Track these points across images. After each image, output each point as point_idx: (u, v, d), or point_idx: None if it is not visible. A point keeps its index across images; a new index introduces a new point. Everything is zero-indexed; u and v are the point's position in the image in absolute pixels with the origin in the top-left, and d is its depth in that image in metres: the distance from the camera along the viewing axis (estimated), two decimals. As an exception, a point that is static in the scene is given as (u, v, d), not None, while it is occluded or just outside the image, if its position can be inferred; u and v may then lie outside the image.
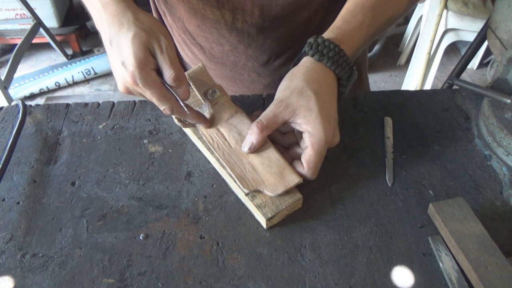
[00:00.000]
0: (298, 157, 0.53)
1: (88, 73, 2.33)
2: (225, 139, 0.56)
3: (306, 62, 0.54)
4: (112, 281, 0.47)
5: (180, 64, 0.52)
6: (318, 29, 0.59)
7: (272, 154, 0.54)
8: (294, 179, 0.52)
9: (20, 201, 0.55)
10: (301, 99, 0.51)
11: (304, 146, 0.52)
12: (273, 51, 0.73)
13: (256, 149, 0.53)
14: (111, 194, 0.55)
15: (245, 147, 0.53)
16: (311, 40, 0.54)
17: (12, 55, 2.00)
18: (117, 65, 0.50)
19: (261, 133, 0.52)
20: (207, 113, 0.59)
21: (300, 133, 0.53)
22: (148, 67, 0.49)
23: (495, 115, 0.58)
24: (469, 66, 2.01)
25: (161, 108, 0.52)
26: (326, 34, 0.55)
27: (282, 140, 0.56)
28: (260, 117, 0.52)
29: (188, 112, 0.54)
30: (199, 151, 0.60)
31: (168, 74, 0.50)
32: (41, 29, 2.25)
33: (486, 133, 0.59)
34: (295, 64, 0.56)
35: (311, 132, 0.50)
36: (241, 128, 0.57)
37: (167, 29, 0.58)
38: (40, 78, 2.31)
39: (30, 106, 0.68)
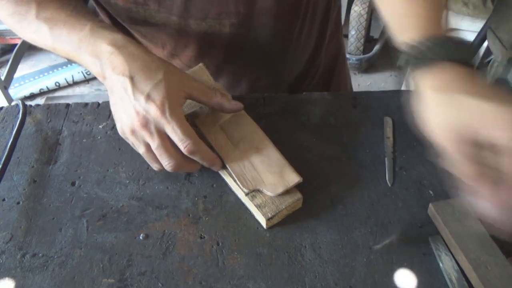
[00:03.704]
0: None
1: (88, 73, 2.33)
2: (226, 136, 0.56)
3: (429, 78, 0.40)
4: (112, 281, 0.47)
5: None
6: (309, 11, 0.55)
7: (272, 153, 0.54)
8: (294, 179, 0.52)
9: (20, 201, 0.55)
10: (468, 112, 0.37)
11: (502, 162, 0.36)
12: (267, 47, 0.70)
13: None
14: (111, 194, 0.55)
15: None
16: (412, 52, 0.41)
17: (12, 55, 2.00)
18: (135, 100, 0.46)
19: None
20: (208, 111, 0.59)
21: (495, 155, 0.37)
22: (179, 102, 0.48)
23: (495, 115, 0.58)
24: (469, 66, 2.01)
25: (184, 146, 0.47)
26: (419, 32, 0.42)
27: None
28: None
29: (211, 153, 0.51)
30: (199, 151, 0.60)
31: (218, 96, 0.51)
32: (41, 29, 2.24)
33: (486, 133, 0.59)
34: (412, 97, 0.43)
35: (504, 135, 0.35)
36: (242, 126, 0.57)
37: None
38: (40, 78, 2.31)
39: (30, 106, 0.68)
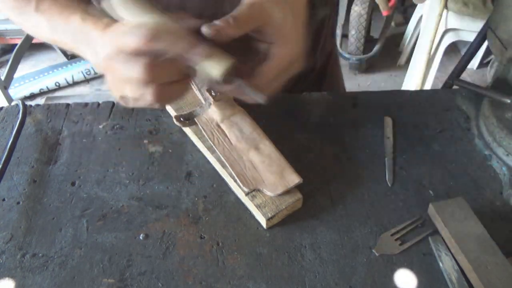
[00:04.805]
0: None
1: (88, 73, 2.33)
2: (226, 135, 0.57)
3: None
4: (112, 281, 0.47)
5: None
6: None
7: (272, 153, 0.54)
8: (294, 179, 0.52)
9: (20, 201, 0.55)
10: (276, 8, 0.44)
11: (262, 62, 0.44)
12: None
13: (218, 38, 0.42)
14: (111, 194, 0.55)
15: (207, 28, 0.41)
16: None
17: (12, 55, 2.00)
18: (114, 49, 0.42)
19: (230, 29, 0.42)
20: (208, 110, 0.59)
21: (258, 50, 0.44)
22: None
23: (495, 115, 0.58)
24: (469, 66, 2.01)
25: (198, 51, 0.40)
26: None
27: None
28: (231, 15, 0.42)
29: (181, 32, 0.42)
30: (199, 151, 0.60)
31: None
32: (41, 29, 2.25)
33: (486, 133, 0.59)
34: None
35: (279, 44, 0.44)
36: (242, 126, 0.57)
37: None
38: (40, 78, 2.31)
39: (30, 106, 0.68)
